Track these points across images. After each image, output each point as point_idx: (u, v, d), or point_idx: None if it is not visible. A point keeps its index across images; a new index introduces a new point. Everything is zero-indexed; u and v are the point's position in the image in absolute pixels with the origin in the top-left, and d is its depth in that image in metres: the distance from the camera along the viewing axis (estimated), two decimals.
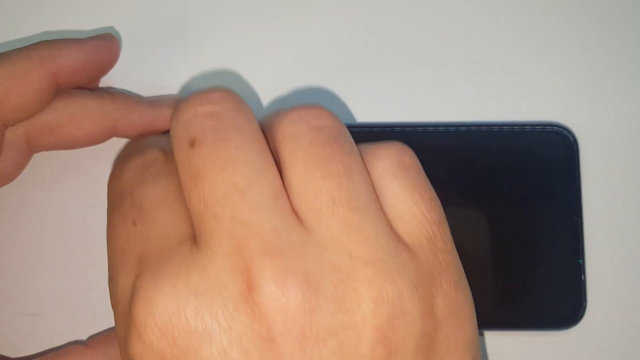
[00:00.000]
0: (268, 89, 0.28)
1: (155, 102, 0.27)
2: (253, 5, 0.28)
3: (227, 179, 0.17)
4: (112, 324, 0.26)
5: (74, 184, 0.27)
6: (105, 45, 0.26)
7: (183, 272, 0.17)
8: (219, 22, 0.28)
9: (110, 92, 0.26)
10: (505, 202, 0.27)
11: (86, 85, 0.26)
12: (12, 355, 0.26)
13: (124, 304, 0.18)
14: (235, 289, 0.16)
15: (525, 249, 0.26)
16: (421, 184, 0.19)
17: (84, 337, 0.27)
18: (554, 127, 0.27)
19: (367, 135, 0.27)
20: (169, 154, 0.20)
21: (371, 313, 0.17)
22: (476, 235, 0.26)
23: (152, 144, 0.21)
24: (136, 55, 0.28)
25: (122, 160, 0.21)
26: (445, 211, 0.20)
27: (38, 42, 0.25)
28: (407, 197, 0.19)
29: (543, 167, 0.27)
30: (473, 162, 0.27)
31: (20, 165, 0.26)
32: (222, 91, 0.19)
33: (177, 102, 0.20)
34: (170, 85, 0.28)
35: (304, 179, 0.18)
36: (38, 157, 0.26)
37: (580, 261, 0.26)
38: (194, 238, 0.18)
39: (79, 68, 0.25)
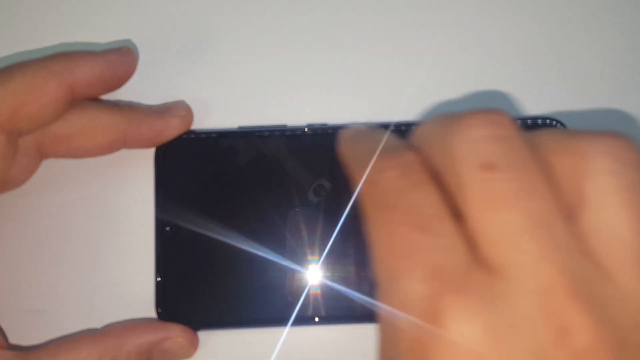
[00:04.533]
0: (283, 99, 0.29)
1: (162, 111, 0.27)
2: (266, 20, 0.29)
3: (533, 212, 0.16)
4: (117, 319, 0.27)
5: (81, 187, 0.28)
6: (122, 59, 0.26)
7: (489, 301, 0.16)
8: (233, 36, 0.29)
9: (120, 105, 0.27)
10: None
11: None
12: None
13: (415, 311, 0.17)
14: (546, 332, 0.16)
15: None
16: None
17: None
18: (547, 120, 0.27)
19: None
20: (420, 155, 0.19)
21: None
22: None
23: (397, 143, 0.20)
24: (151, 68, 0.29)
25: (376, 156, 0.19)
26: None
27: (56, 54, 0.25)
28: None
29: None
30: None
31: (30, 171, 0.26)
32: (503, 114, 0.18)
33: (454, 118, 0.18)
34: (183, 98, 0.28)
35: (610, 229, 0.17)
36: (46, 161, 0.27)
37: None
38: (477, 259, 0.17)
39: (95, 81, 0.25)
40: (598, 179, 0.17)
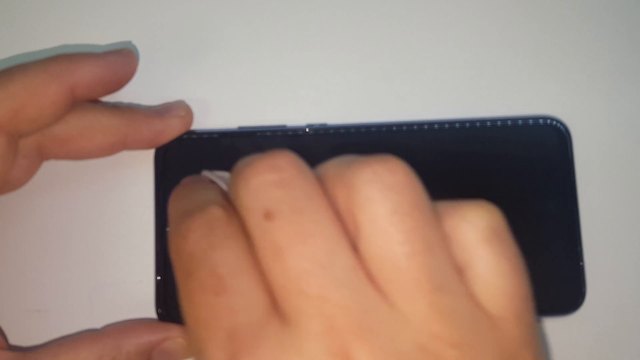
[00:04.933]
0: (283, 99, 0.29)
1: (162, 112, 0.27)
2: (266, 20, 0.29)
3: (308, 254, 0.17)
4: (117, 319, 0.27)
5: (81, 188, 0.28)
6: (123, 61, 0.26)
7: (279, 353, 0.16)
8: (233, 36, 0.29)
9: (120, 107, 0.27)
10: (502, 193, 0.27)
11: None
12: None
13: None
14: None
15: (523, 239, 0.26)
16: (511, 254, 0.18)
17: None
18: (547, 120, 0.28)
19: (363, 135, 0.27)
20: (228, 209, 0.19)
21: None
22: None
23: (208, 198, 0.20)
24: (151, 69, 0.29)
25: (181, 218, 0.19)
26: None
27: (57, 56, 0.25)
28: (497, 269, 0.18)
29: (538, 159, 0.27)
30: (470, 156, 0.27)
31: (30, 172, 0.27)
32: (285, 156, 0.18)
33: (239, 168, 0.18)
34: (183, 98, 0.28)
35: (384, 255, 0.17)
36: (46, 162, 0.27)
37: (578, 249, 0.27)
38: (275, 310, 0.17)
39: (96, 83, 0.25)
40: (366, 208, 0.17)
